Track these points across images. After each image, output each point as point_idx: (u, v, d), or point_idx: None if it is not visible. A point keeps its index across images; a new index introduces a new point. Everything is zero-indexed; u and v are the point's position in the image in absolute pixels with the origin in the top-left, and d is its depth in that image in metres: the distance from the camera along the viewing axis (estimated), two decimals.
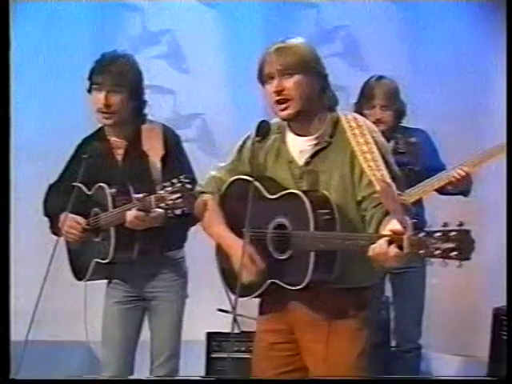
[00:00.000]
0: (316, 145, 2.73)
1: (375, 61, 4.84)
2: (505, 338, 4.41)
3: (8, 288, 2.94)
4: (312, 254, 2.57)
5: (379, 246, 2.40)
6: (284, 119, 2.74)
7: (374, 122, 3.83)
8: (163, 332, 3.43)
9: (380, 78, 4.08)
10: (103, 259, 3.31)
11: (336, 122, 2.74)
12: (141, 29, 5.10)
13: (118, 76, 3.31)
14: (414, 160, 3.98)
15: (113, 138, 3.43)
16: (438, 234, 2.26)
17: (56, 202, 3.41)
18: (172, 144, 3.40)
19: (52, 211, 3.43)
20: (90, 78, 3.36)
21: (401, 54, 4.92)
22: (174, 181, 3.01)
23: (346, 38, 5.00)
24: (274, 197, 2.72)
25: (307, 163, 2.74)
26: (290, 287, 2.65)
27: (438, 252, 2.25)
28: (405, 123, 4.15)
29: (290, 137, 2.78)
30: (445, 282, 4.51)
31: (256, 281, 2.70)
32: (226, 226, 2.82)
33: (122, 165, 3.42)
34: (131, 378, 3.46)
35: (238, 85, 4.89)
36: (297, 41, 2.74)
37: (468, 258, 2.25)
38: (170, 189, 3.01)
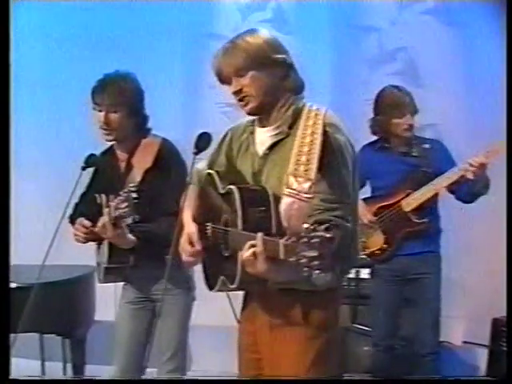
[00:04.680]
0: (275, 135, 2.59)
1: (431, 78, 5.14)
2: (504, 349, 4.34)
3: (8, 292, 3.02)
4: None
5: (246, 250, 2.28)
6: (249, 114, 2.64)
7: (406, 129, 4.00)
8: (168, 332, 3.47)
9: (398, 87, 4.11)
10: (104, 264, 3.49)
11: (298, 113, 2.56)
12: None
13: (117, 96, 3.41)
14: (426, 163, 4.02)
15: (118, 152, 3.59)
16: (304, 240, 2.04)
17: (74, 210, 3.61)
18: (165, 159, 3.46)
19: (71, 218, 3.59)
20: (92, 97, 3.48)
21: (454, 72, 5.14)
22: (126, 190, 3.10)
23: (404, 58, 5.26)
24: (223, 192, 2.62)
25: (265, 155, 2.61)
26: (230, 285, 2.52)
27: (304, 260, 2.03)
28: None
29: (257, 129, 2.68)
30: None
31: (193, 262, 2.66)
32: (192, 215, 2.74)
33: (123, 177, 3.54)
34: (136, 376, 3.54)
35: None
36: (245, 37, 2.59)
37: (325, 271, 2.00)
38: (121, 198, 3.10)
